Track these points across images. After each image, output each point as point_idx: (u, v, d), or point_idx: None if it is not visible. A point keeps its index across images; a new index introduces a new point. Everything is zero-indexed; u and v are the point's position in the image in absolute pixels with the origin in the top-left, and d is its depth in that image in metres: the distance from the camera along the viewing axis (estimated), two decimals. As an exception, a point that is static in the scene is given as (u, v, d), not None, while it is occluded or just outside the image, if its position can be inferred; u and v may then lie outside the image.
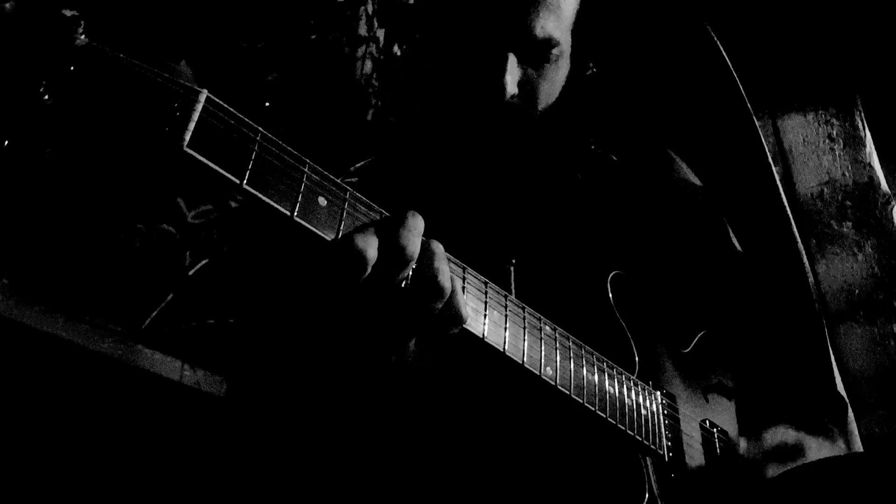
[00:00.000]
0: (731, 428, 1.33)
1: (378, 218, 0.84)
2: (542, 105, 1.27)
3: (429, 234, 0.90)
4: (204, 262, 2.00)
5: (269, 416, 1.02)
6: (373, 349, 0.87)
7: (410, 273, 0.82)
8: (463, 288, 0.93)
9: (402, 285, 0.82)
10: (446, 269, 0.84)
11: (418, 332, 0.85)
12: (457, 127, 1.27)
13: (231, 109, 0.75)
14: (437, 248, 0.84)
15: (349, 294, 0.80)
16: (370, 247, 0.78)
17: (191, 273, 1.98)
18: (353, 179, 1.31)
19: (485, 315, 0.94)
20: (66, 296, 1.77)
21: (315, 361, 0.92)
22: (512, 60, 1.21)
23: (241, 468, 1.09)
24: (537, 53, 1.23)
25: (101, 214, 1.86)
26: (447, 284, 0.83)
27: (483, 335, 0.93)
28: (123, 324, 1.85)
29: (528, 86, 1.24)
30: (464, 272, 0.94)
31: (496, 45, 1.20)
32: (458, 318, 0.86)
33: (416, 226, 0.82)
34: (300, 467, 1.13)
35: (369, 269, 0.78)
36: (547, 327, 1.03)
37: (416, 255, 0.81)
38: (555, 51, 1.24)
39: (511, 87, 1.21)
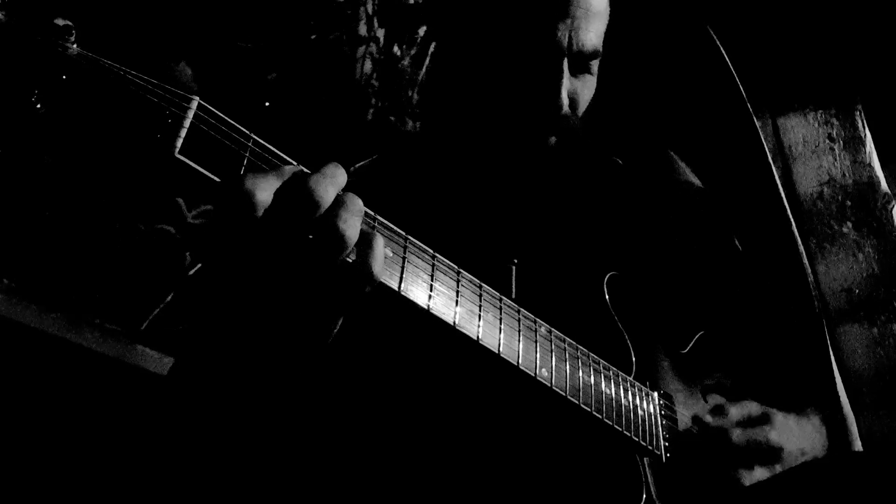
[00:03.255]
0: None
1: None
2: (581, 113, 1.27)
3: (430, 233, 0.90)
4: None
5: (209, 390, 0.96)
6: (284, 309, 0.82)
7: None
8: (457, 291, 0.92)
9: (308, 237, 0.77)
10: (353, 221, 0.78)
11: (326, 288, 0.80)
12: (492, 134, 1.26)
13: (222, 115, 0.76)
14: (353, 201, 0.79)
15: (246, 239, 0.75)
16: (259, 189, 0.73)
17: (191, 273, 1.98)
18: (353, 179, 1.31)
19: (479, 317, 0.94)
20: (66, 296, 1.77)
21: (235, 328, 0.87)
22: (566, 74, 1.20)
23: (231, 465, 1.08)
24: (585, 64, 1.23)
25: (101, 215, 1.86)
26: (350, 234, 0.77)
27: (478, 338, 0.93)
28: (123, 324, 1.85)
29: (574, 97, 1.25)
30: (458, 275, 0.94)
31: (550, 58, 1.19)
32: (369, 276, 0.80)
33: (333, 175, 0.78)
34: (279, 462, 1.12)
35: (259, 213, 0.73)
36: (542, 329, 1.03)
37: (324, 203, 0.76)
38: (595, 62, 1.25)
39: (566, 101, 1.21)
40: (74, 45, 0.67)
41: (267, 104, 2.22)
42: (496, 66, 1.21)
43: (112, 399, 1.75)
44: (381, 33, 2.67)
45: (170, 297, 1.93)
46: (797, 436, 1.24)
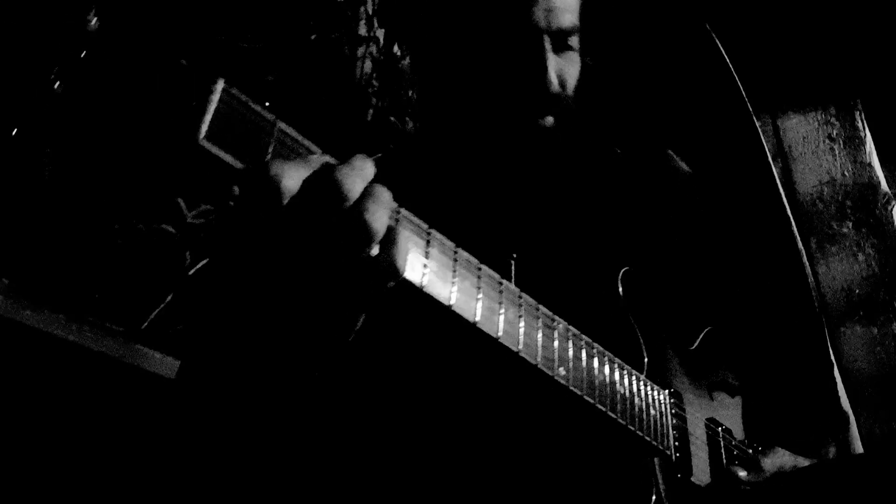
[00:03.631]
0: (736, 425, 1.33)
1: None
2: (571, 90, 1.27)
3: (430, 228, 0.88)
4: (204, 262, 2.00)
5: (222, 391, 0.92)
6: (305, 304, 0.79)
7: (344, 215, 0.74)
8: (478, 287, 0.89)
9: (335, 229, 0.74)
10: (381, 213, 0.75)
11: (350, 282, 0.77)
12: (486, 122, 1.26)
13: (247, 99, 0.71)
14: (382, 193, 0.76)
15: (270, 227, 0.72)
16: (287, 176, 0.70)
17: (191, 273, 1.98)
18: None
19: (500, 315, 0.91)
20: (66, 296, 1.77)
21: (253, 325, 0.83)
22: (550, 54, 1.20)
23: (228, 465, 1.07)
24: (566, 41, 1.23)
25: (102, 215, 1.86)
26: (377, 227, 0.74)
27: (497, 336, 0.90)
28: (123, 324, 1.85)
29: (562, 75, 1.24)
30: (479, 271, 0.91)
31: (531, 40, 1.19)
32: (394, 271, 0.77)
33: (361, 167, 0.75)
34: (290, 463, 1.12)
35: (285, 200, 0.70)
36: (560, 326, 1.00)
37: (352, 195, 0.73)
38: (575, 37, 1.25)
39: (555, 80, 1.21)
40: (95, 21, 0.63)
41: (267, 104, 2.22)
42: (481, 58, 1.22)
43: (112, 399, 1.75)
44: (381, 33, 2.67)
45: (170, 297, 1.93)
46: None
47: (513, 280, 1.18)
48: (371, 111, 2.58)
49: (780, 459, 1.24)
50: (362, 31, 2.62)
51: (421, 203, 0.89)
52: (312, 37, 2.45)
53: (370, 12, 2.65)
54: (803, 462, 1.25)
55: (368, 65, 2.61)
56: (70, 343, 1.73)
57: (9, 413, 1.61)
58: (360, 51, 2.60)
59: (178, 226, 1.99)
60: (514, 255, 1.22)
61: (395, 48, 2.66)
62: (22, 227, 1.74)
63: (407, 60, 2.65)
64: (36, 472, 1.62)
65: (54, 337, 1.71)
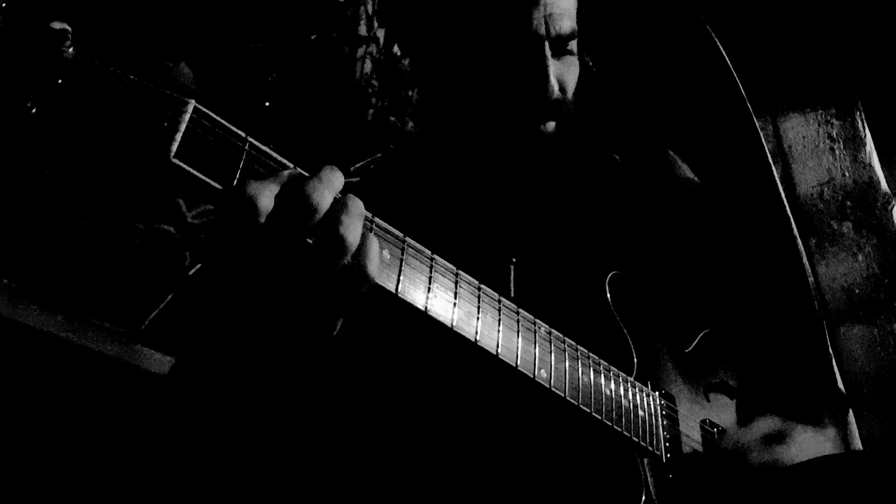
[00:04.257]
0: (733, 428, 1.33)
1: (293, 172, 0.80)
2: (571, 95, 1.27)
3: (429, 233, 0.90)
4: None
5: (213, 389, 0.96)
6: (284, 310, 0.82)
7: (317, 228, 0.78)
8: (455, 292, 0.92)
9: (308, 240, 0.78)
10: (354, 225, 0.78)
11: (324, 290, 0.81)
12: (488, 128, 1.26)
13: (218, 118, 0.75)
14: (354, 204, 0.79)
15: (247, 245, 0.76)
16: (262, 195, 0.73)
17: (191, 273, 1.98)
18: (355, 179, 1.31)
19: (478, 318, 0.94)
20: (66, 296, 1.77)
21: (237, 327, 0.87)
22: (551, 59, 1.21)
23: (227, 464, 1.08)
24: (565, 46, 1.24)
25: (101, 215, 1.87)
26: (351, 238, 0.77)
27: (476, 339, 0.93)
28: (123, 324, 1.85)
29: (562, 79, 1.25)
30: (456, 276, 0.94)
31: (531, 47, 1.20)
32: (364, 277, 0.80)
33: (329, 179, 0.78)
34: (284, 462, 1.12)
35: (262, 219, 0.73)
36: (542, 330, 1.03)
37: (321, 208, 0.76)
38: (574, 41, 1.25)
39: (555, 85, 1.21)
40: (70, 49, 0.67)
41: (267, 104, 2.23)
42: (481, 64, 1.22)
43: (112, 399, 1.75)
44: (381, 33, 2.67)
45: (170, 297, 1.94)
46: (814, 450, 1.23)
47: (511, 285, 1.19)
48: (371, 111, 2.58)
49: (769, 423, 1.24)
50: (362, 31, 2.62)
51: (421, 203, 0.90)
52: (312, 37, 2.46)
53: (370, 12, 2.66)
54: (794, 426, 1.24)
55: (368, 65, 2.61)
56: (70, 343, 1.73)
57: (9, 413, 1.61)
58: (360, 51, 2.60)
59: (178, 226, 1.99)
60: (514, 260, 1.23)
61: (395, 48, 2.66)
62: (22, 228, 1.75)
63: (407, 60, 2.65)
64: (36, 471, 1.62)
65: (54, 337, 1.71)
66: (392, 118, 2.61)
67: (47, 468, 1.63)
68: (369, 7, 2.66)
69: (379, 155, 1.34)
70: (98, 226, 1.86)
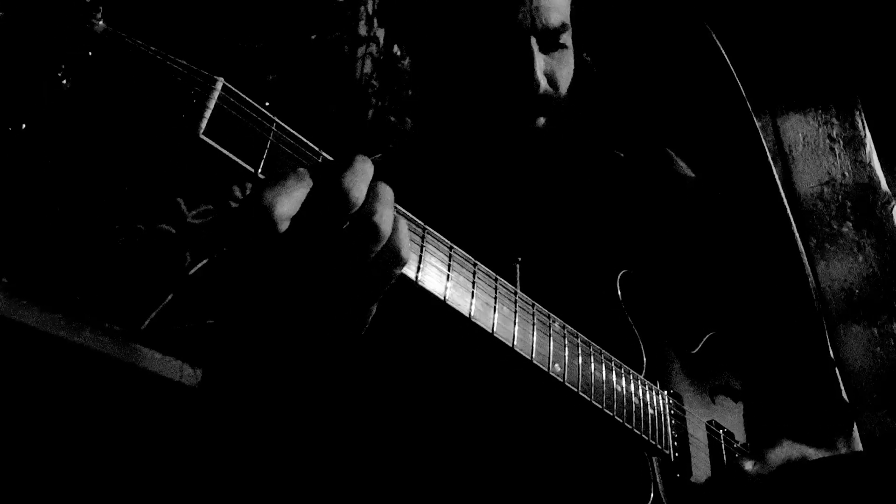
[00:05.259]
0: (738, 429, 1.33)
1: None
2: (563, 89, 1.26)
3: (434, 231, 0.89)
4: (204, 262, 2.00)
5: (244, 399, 0.95)
6: (322, 302, 0.81)
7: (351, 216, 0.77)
8: (473, 283, 0.91)
9: (343, 228, 0.77)
10: (388, 213, 0.78)
11: (359, 277, 0.80)
12: (479, 125, 1.26)
13: (246, 98, 0.75)
14: (385, 192, 0.78)
15: (272, 253, 0.75)
16: (279, 204, 0.71)
17: (191, 273, 1.98)
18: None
19: (495, 309, 0.93)
20: (66, 296, 1.77)
21: (273, 328, 0.85)
22: (537, 54, 1.20)
23: (230, 464, 1.08)
24: (555, 40, 1.23)
25: (101, 215, 1.86)
26: (385, 227, 0.77)
27: (493, 330, 0.92)
28: (123, 324, 1.85)
29: (551, 74, 1.24)
30: (475, 267, 0.93)
31: (517, 39, 1.19)
32: (398, 259, 0.80)
33: (363, 170, 0.77)
34: (295, 462, 1.12)
35: (283, 227, 0.72)
36: (556, 324, 1.02)
37: (359, 201, 0.76)
38: (566, 35, 1.24)
39: (542, 80, 1.21)
40: (101, 22, 0.67)
41: (267, 104, 2.22)
42: (470, 60, 1.21)
43: (112, 399, 1.75)
44: (381, 33, 2.67)
45: (170, 297, 1.93)
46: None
47: (518, 283, 1.18)
48: (371, 111, 2.58)
49: (786, 451, 1.23)
50: (362, 31, 2.63)
51: (421, 204, 0.90)
52: (312, 37, 2.46)
53: (370, 12, 2.66)
54: (810, 452, 1.24)
55: (368, 65, 2.61)
56: (70, 343, 1.73)
57: (9, 413, 1.61)
58: (360, 51, 2.60)
59: (178, 226, 1.99)
60: (519, 259, 1.22)
61: (395, 48, 2.66)
62: (22, 227, 1.74)
63: (407, 61, 2.65)
64: (36, 471, 1.62)
65: (54, 337, 1.71)
66: (392, 118, 2.61)
67: (47, 468, 1.63)
68: (369, 7, 2.66)
69: (379, 155, 1.33)
70: (98, 226, 1.86)
